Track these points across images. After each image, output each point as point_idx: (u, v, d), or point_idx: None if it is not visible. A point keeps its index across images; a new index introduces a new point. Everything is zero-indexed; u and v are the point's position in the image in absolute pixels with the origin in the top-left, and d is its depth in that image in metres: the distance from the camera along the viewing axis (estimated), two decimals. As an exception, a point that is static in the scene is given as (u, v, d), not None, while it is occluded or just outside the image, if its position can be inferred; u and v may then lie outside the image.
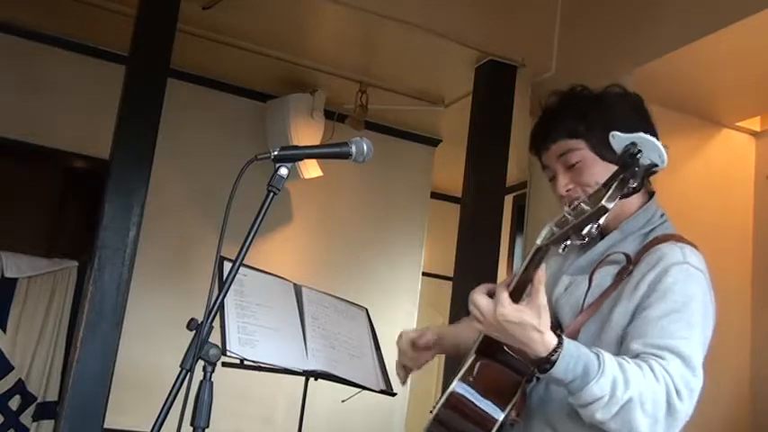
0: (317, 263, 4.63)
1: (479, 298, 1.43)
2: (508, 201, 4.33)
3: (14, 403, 4.25)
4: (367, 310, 3.35)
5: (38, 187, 4.96)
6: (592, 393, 1.35)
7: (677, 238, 1.58)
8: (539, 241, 1.35)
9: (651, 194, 1.67)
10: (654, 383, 1.38)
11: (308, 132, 4.31)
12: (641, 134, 1.32)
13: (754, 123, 3.86)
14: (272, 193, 1.52)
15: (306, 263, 4.59)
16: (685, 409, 1.41)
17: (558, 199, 1.66)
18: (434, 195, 5.21)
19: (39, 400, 4.30)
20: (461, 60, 3.92)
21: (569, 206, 1.30)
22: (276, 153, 1.53)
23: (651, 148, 1.30)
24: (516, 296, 1.41)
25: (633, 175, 1.26)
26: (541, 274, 1.37)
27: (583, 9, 3.65)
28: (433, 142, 5.08)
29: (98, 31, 4.11)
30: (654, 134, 1.65)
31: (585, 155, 1.61)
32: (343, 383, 3.00)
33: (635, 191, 1.38)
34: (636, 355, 1.43)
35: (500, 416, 1.47)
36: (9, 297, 4.29)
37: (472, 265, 3.71)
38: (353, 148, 1.61)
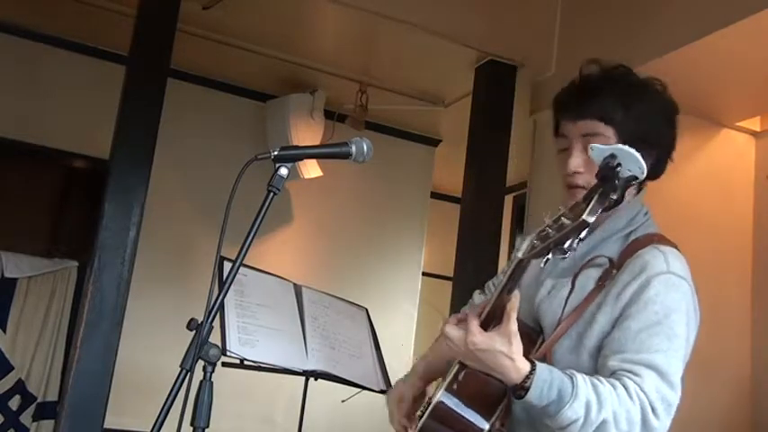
0: (317, 263, 4.63)
1: (450, 329, 1.44)
2: (508, 201, 4.33)
3: (14, 403, 4.25)
4: (367, 310, 3.36)
5: (38, 187, 4.94)
6: (567, 417, 1.36)
7: (658, 239, 1.56)
8: (520, 254, 1.35)
9: (640, 189, 1.63)
10: (628, 403, 1.38)
11: (308, 132, 4.31)
12: (619, 146, 1.31)
13: (754, 123, 3.86)
14: (272, 193, 1.52)
15: (306, 263, 4.59)
16: (662, 424, 1.41)
17: (562, 177, 1.61)
18: (434, 195, 5.21)
19: (39, 400, 4.30)
20: (461, 60, 3.92)
21: (554, 219, 1.28)
22: (276, 153, 1.53)
23: (630, 159, 1.30)
24: (491, 322, 1.41)
25: (614, 188, 1.24)
26: (514, 301, 1.37)
27: (583, 9, 3.65)
28: (433, 142, 5.07)
29: (98, 31, 4.11)
30: (673, 146, 1.62)
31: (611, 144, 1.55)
32: (343, 383, 3.00)
33: (616, 203, 1.39)
34: (612, 372, 1.43)
35: (485, 426, 1.46)
36: (9, 297, 4.29)
37: (472, 265, 3.71)
38: (353, 148, 1.61)
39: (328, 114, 4.48)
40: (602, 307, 1.50)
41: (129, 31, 3.35)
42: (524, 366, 1.37)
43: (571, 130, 1.59)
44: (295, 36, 4.05)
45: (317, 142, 4.25)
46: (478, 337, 1.38)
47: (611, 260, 1.52)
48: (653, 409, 1.39)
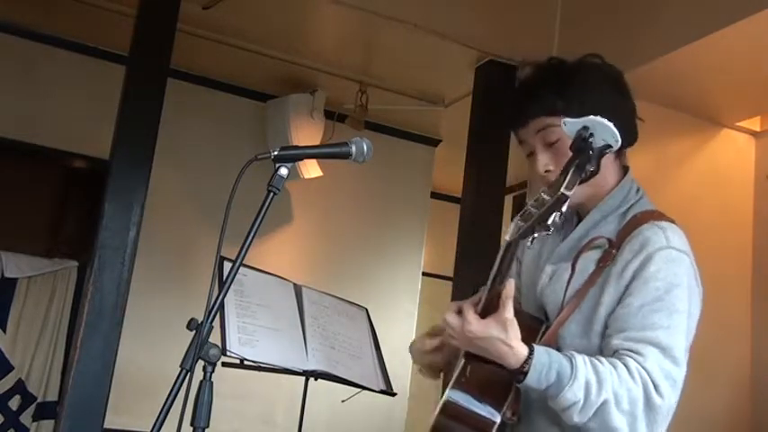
0: (317, 263, 4.63)
1: (450, 317, 1.46)
2: (508, 201, 4.32)
3: (14, 403, 4.25)
4: (367, 309, 3.36)
5: (38, 187, 4.95)
6: (566, 399, 1.37)
7: (656, 216, 1.56)
8: (507, 237, 1.36)
9: (626, 170, 1.63)
10: (629, 382, 1.39)
11: (308, 132, 4.31)
12: (591, 117, 1.32)
13: (754, 123, 3.87)
14: (272, 193, 1.52)
15: (306, 263, 4.59)
16: (666, 401, 1.41)
17: (539, 180, 1.62)
18: (434, 195, 5.20)
19: (39, 400, 4.30)
20: (461, 60, 3.92)
21: (535, 199, 1.29)
22: (276, 153, 1.53)
23: (603, 129, 1.30)
24: (488, 311, 1.42)
25: (588, 159, 1.26)
26: (509, 288, 1.38)
27: (583, 9, 3.65)
28: (433, 142, 5.07)
29: (98, 31, 4.11)
30: (632, 109, 1.61)
31: (564, 133, 1.55)
32: (343, 383, 3.00)
33: (593, 174, 1.39)
34: (615, 351, 1.44)
35: (497, 417, 1.46)
36: (9, 297, 4.30)
37: (472, 265, 3.71)
38: (353, 148, 1.61)
39: (328, 114, 4.48)
40: (606, 288, 1.49)
41: (129, 31, 3.35)
42: (522, 351, 1.38)
43: (526, 133, 1.61)
44: (295, 36, 4.05)
45: (317, 142, 4.24)
46: (475, 326, 1.40)
47: (609, 241, 1.53)
48: (655, 387, 1.40)
